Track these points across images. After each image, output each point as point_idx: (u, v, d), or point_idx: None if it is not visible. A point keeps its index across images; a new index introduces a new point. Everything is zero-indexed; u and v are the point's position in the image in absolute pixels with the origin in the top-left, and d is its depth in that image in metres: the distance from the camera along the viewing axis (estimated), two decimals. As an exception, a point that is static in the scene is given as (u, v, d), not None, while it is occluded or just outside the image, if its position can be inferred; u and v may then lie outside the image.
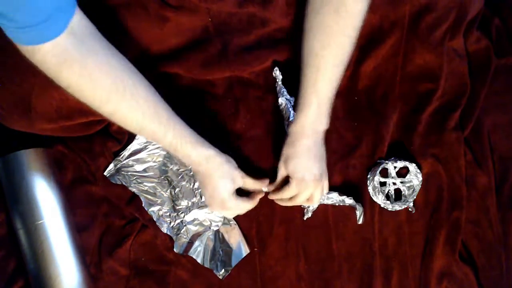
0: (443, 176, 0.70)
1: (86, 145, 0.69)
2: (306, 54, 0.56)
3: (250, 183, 0.64)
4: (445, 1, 0.66)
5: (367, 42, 0.69)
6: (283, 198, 0.64)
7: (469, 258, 0.70)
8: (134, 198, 0.69)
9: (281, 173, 0.63)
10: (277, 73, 0.68)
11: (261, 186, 0.65)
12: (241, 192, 0.64)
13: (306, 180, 0.60)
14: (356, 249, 0.69)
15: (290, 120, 0.67)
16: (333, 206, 0.68)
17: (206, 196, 0.62)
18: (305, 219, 0.68)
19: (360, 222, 0.67)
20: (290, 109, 0.67)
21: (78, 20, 0.46)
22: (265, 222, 0.69)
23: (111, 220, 0.69)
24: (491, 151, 0.70)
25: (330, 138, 0.69)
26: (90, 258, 0.67)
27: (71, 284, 0.62)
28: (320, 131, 0.60)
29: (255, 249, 0.69)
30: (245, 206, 0.63)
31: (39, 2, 0.40)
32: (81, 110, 0.62)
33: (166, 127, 0.54)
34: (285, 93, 0.68)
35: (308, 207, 0.67)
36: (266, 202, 0.68)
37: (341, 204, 0.67)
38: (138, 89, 0.51)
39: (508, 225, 0.69)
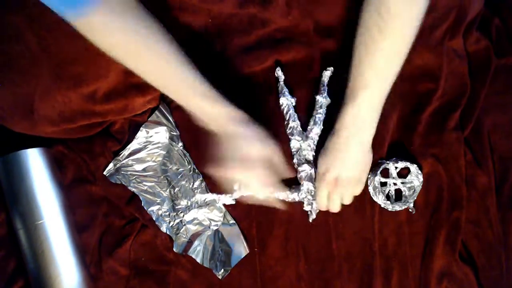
0: (443, 176, 0.69)
1: (86, 145, 0.69)
2: (357, 48, 0.53)
3: (281, 165, 0.59)
4: (445, 1, 0.66)
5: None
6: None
7: (469, 258, 0.70)
8: (134, 198, 0.69)
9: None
10: (279, 73, 0.68)
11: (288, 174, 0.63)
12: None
13: (340, 181, 0.58)
14: (356, 249, 0.69)
15: (289, 120, 0.67)
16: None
17: (225, 155, 0.57)
18: (310, 221, 0.68)
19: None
20: (292, 110, 0.67)
21: None
22: (265, 222, 0.69)
23: (111, 220, 0.69)
24: (491, 151, 0.70)
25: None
26: (90, 258, 0.67)
27: (71, 284, 0.62)
28: (366, 139, 0.57)
29: (255, 249, 0.69)
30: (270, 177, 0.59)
31: None
32: (84, 112, 0.62)
33: (189, 83, 0.54)
34: (287, 93, 0.68)
35: (311, 207, 0.67)
36: (266, 202, 0.68)
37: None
38: (158, 45, 0.52)
39: (508, 225, 0.69)
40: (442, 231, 0.69)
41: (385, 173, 0.69)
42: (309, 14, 0.67)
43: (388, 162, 0.68)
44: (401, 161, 0.68)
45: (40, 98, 0.58)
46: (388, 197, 0.70)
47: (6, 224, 0.65)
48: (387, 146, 0.70)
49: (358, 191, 0.63)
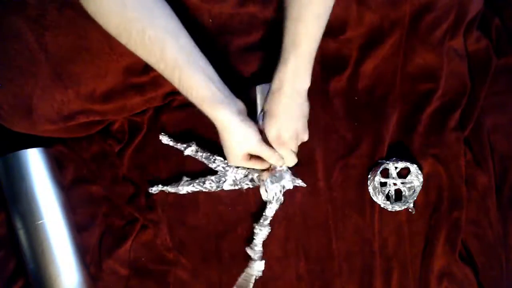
0: (443, 176, 0.70)
1: (86, 145, 0.69)
2: (288, 6, 0.55)
3: (265, 156, 0.61)
4: (445, 1, 0.66)
5: (367, 41, 0.69)
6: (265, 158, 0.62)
7: (469, 258, 0.70)
8: (134, 198, 0.69)
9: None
10: (164, 139, 0.68)
11: (275, 162, 0.62)
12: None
13: (282, 139, 0.59)
14: (356, 249, 0.69)
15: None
16: (333, 206, 0.69)
17: (223, 148, 0.61)
18: (305, 185, 0.68)
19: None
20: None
21: None
22: (265, 222, 0.69)
23: (111, 220, 0.69)
24: (491, 151, 0.70)
25: (330, 138, 0.69)
26: (90, 258, 0.67)
27: (71, 284, 0.62)
28: (302, 90, 0.58)
29: (255, 249, 0.69)
30: (255, 168, 0.64)
31: None
32: (82, 111, 0.62)
33: (172, 70, 0.53)
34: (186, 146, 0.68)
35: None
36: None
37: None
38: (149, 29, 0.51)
39: (508, 225, 0.69)
40: (442, 231, 0.69)
41: (385, 173, 0.69)
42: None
43: (388, 162, 0.68)
44: (401, 161, 0.68)
45: (39, 97, 0.58)
46: (388, 197, 0.70)
47: (6, 224, 0.65)
48: (387, 146, 0.70)
49: (306, 137, 0.63)
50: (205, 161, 0.68)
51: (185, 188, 0.67)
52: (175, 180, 0.69)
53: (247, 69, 0.68)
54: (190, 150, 0.67)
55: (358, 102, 0.70)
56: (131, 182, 0.70)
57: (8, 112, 0.59)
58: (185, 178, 0.68)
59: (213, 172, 0.68)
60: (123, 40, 0.52)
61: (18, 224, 0.62)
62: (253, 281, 0.67)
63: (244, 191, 0.68)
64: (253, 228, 0.67)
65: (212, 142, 0.69)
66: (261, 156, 0.61)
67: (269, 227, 0.67)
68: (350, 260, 0.69)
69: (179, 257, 0.69)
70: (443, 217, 0.69)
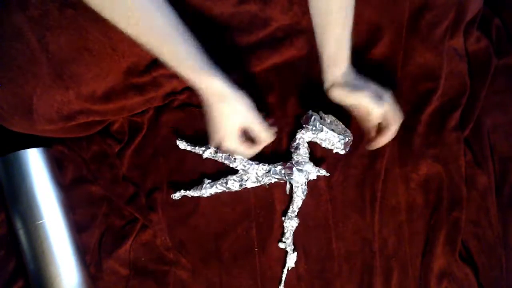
0: (443, 176, 0.70)
1: (86, 145, 0.69)
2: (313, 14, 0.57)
3: (258, 130, 0.58)
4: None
5: (367, 40, 0.69)
6: (384, 142, 0.62)
7: (469, 258, 0.70)
8: (134, 198, 0.69)
9: (372, 124, 0.60)
10: (181, 145, 0.68)
11: (268, 139, 0.60)
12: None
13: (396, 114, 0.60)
14: (356, 249, 0.69)
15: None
16: (333, 206, 0.69)
17: (210, 126, 0.57)
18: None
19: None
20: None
21: None
22: (265, 222, 0.69)
23: (111, 220, 0.69)
24: (491, 151, 0.70)
25: (330, 138, 0.69)
26: (90, 258, 0.68)
27: (71, 284, 0.62)
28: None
29: (255, 249, 0.69)
30: (244, 152, 0.59)
31: None
32: (82, 111, 0.62)
33: (162, 41, 0.50)
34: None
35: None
36: (266, 202, 0.68)
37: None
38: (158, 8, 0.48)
39: (508, 225, 0.69)
40: (442, 231, 0.69)
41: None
42: (309, 10, 0.67)
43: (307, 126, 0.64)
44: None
45: (39, 97, 0.58)
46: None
47: (6, 224, 0.65)
48: (387, 146, 0.70)
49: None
50: (226, 162, 0.67)
51: (208, 190, 0.67)
52: (195, 183, 0.69)
53: (248, 69, 0.68)
54: (209, 153, 0.67)
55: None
56: (131, 182, 0.70)
57: (8, 112, 0.59)
58: (206, 181, 0.67)
59: (234, 171, 0.68)
60: (107, 13, 0.46)
61: (18, 224, 0.62)
62: (286, 272, 0.68)
63: (267, 186, 0.68)
64: (282, 222, 0.68)
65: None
66: (253, 128, 0.57)
67: (298, 219, 0.67)
68: (350, 260, 0.69)
69: (179, 257, 0.69)
70: (443, 217, 0.69)
